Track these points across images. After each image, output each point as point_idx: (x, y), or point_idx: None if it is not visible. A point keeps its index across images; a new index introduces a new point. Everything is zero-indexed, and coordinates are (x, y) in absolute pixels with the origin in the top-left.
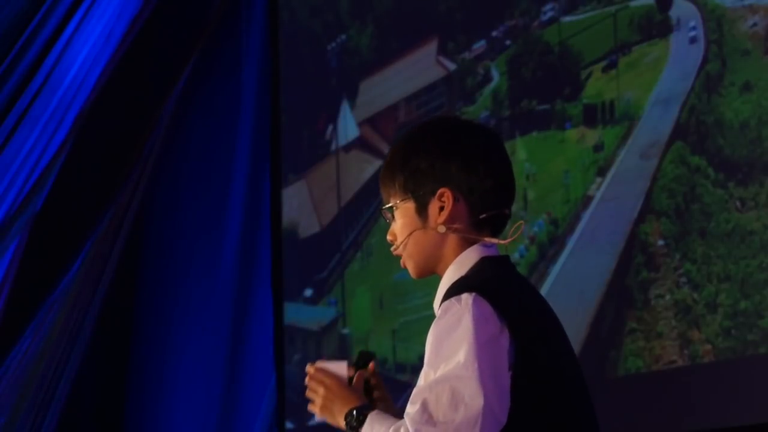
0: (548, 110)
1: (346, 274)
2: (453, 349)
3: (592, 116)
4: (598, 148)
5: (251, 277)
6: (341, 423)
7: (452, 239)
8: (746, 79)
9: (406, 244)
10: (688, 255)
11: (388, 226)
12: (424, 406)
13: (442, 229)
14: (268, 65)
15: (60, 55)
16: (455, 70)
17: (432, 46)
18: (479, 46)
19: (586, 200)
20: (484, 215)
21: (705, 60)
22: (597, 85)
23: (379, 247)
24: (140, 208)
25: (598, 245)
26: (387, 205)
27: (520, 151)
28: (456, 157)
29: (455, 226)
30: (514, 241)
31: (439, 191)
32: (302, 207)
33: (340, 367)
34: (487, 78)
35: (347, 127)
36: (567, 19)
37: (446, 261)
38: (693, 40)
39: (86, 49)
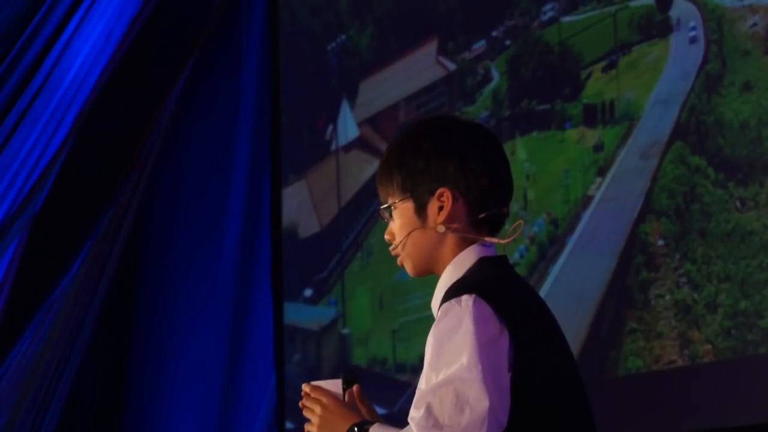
0: (548, 110)
1: (346, 274)
2: (454, 352)
3: (592, 116)
4: (598, 148)
5: (251, 278)
6: None
7: (451, 239)
8: (746, 79)
9: (404, 244)
10: (688, 255)
11: (387, 226)
12: (429, 410)
13: (441, 228)
14: (268, 65)
15: (60, 55)
16: (455, 70)
17: (432, 46)
18: (479, 46)
19: (586, 200)
20: (482, 215)
21: (705, 60)
22: (597, 85)
23: (379, 247)
24: (140, 208)
25: (598, 245)
26: (385, 205)
27: (520, 151)
28: (453, 157)
29: (454, 225)
30: (514, 241)
31: (438, 191)
32: (302, 207)
33: (336, 386)
34: (487, 78)
35: (347, 127)
36: (567, 19)
37: (444, 261)
38: (693, 40)
39: (86, 49)
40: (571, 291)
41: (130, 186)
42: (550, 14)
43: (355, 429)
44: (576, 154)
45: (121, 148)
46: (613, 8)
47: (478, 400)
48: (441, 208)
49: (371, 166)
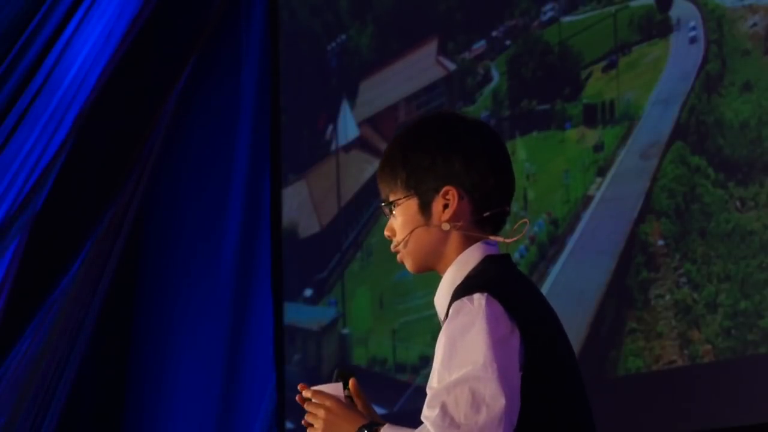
0: (548, 110)
1: (346, 274)
2: (469, 350)
3: (592, 116)
4: (598, 148)
5: (251, 277)
6: None
7: (455, 237)
8: (746, 79)
9: (407, 241)
10: (688, 255)
11: (387, 223)
12: (444, 410)
13: (446, 226)
14: (268, 65)
15: (60, 55)
16: (455, 70)
17: (432, 46)
18: (479, 46)
19: (586, 200)
20: (487, 213)
21: (705, 60)
22: (597, 85)
23: (379, 247)
24: (140, 208)
25: (598, 245)
26: (387, 201)
27: (520, 151)
28: (458, 154)
29: (458, 223)
30: (515, 241)
31: (444, 189)
32: (302, 207)
33: (337, 389)
34: (487, 78)
35: (347, 127)
36: (567, 19)
37: (447, 258)
38: (693, 40)
39: (86, 49)
40: (571, 291)
41: (130, 186)
42: (550, 14)
43: (364, 430)
44: (576, 154)
45: (121, 148)
46: (613, 8)
47: (495, 399)
48: (446, 206)
49: (371, 166)
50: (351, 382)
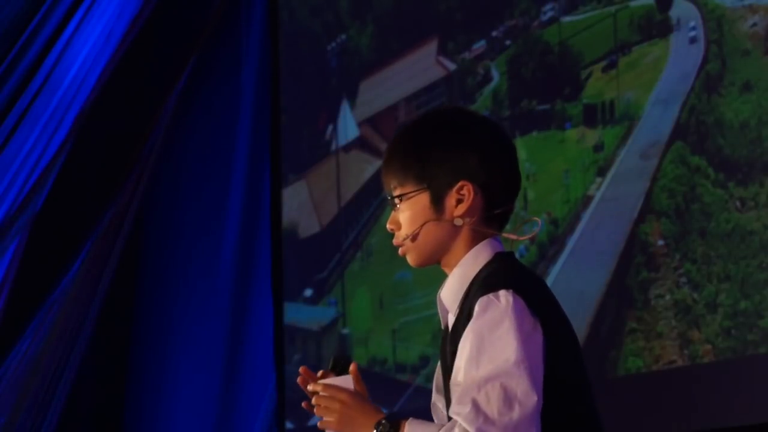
0: (548, 110)
1: (346, 274)
2: (498, 347)
3: (592, 116)
4: (598, 148)
5: (251, 277)
6: None
7: (465, 232)
8: (746, 79)
9: (416, 235)
10: (688, 255)
11: (391, 215)
12: (476, 406)
13: (459, 222)
14: (268, 65)
15: (60, 55)
16: (455, 70)
17: (432, 46)
18: (479, 46)
19: (586, 200)
20: (497, 210)
21: (705, 60)
22: (597, 85)
23: (379, 247)
24: (140, 208)
25: (598, 245)
26: (395, 193)
27: (520, 151)
28: (473, 150)
29: (472, 219)
30: (515, 240)
31: (459, 184)
32: (302, 207)
33: (347, 381)
34: (487, 78)
35: (347, 127)
36: (567, 19)
37: (454, 253)
38: (693, 40)
39: (86, 49)
40: (571, 291)
41: (130, 186)
42: (550, 14)
43: (384, 422)
44: (576, 154)
45: (121, 147)
46: (613, 8)
47: (527, 395)
48: (460, 201)
49: (371, 166)
50: (352, 367)
